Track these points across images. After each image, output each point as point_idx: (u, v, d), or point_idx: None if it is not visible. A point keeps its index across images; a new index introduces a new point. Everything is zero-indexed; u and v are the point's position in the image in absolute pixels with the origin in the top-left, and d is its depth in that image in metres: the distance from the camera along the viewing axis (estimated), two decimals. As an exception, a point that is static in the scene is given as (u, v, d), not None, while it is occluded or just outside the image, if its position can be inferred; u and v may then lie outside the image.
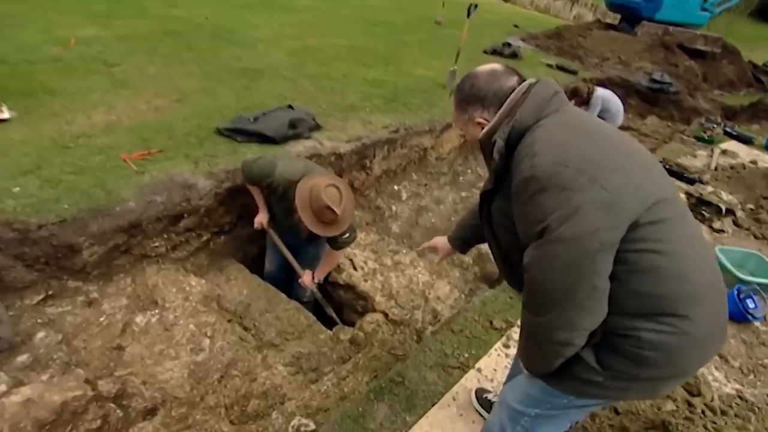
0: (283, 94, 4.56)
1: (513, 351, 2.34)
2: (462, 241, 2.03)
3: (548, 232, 1.10)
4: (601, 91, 6.07)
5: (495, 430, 1.60)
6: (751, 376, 2.47)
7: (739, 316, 2.78)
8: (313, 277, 3.08)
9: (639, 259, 1.13)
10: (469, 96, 1.36)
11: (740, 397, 2.28)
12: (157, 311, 2.62)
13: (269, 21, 7.35)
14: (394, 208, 4.29)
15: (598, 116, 6.07)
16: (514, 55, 8.08)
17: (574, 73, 7.82)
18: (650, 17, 10.34)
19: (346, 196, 2.58)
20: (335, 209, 2.47)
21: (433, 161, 4.93)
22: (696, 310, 1.16)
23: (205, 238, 3.18)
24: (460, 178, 4.97)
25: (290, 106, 4.06)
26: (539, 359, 1.28)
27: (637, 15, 10.48)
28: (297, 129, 3.75)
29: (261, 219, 3.11)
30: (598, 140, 1.21)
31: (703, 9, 10.58)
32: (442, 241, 2.10)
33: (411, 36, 8.27)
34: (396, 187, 4.50)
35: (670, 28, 10.20)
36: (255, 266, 3.53)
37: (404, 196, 4.44)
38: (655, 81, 8.17)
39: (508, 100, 1.32)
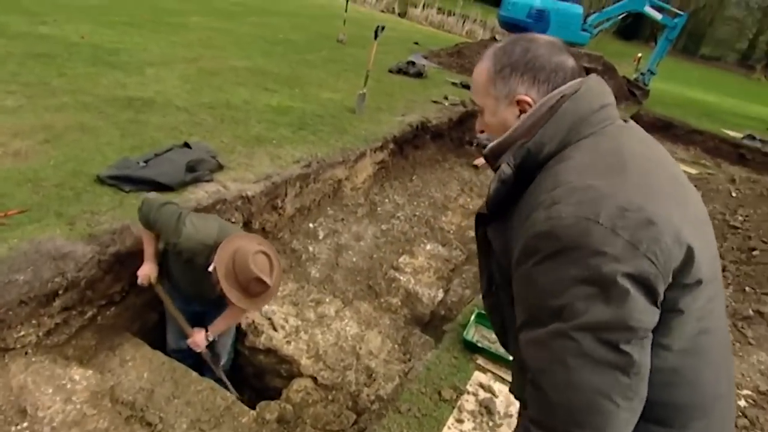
0: (178, 127, 4.06)
1: (467, 426, 2.13)
2: None
3: (569, 315, 0.81)
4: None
5: None
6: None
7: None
8: (206, 335, 2.63)
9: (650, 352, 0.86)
10: (519, 63, 1.01)
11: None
12: (25, 425, 2.07)
13: (158, 41, 6.68)
14: (311, 248, 3.96)
15: None
16: (420, 74, 8.08)
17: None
18: (539, 36, 10.94)
19: (276, 262, 2.22)
20: (266, 281, 2.11)
21: (349, 193, 4.67)
22: (700, 423, 0.95)
23: (89, 314, 2.64)
24: (378, 208, 4.75)
25: (186, 144, 3.60)
26: None
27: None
28: (196, 171, 3.30)
29: (148, 272, 2.56)
30: (648, 178, 0.89)
31: (584, 30, 11.42)
32: None
33: (313, 55, 7.97)
34: (311, 225, 4.17)
35: (558, 46, 10.85)
36: (156, 337, 3.04)
37: (321, 234, 4.12)
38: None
39: (545, 101, 0.98)
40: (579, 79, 1.02)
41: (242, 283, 2.13)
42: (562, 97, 0.98)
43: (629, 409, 0.83)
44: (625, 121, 1.04)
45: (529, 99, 1.01)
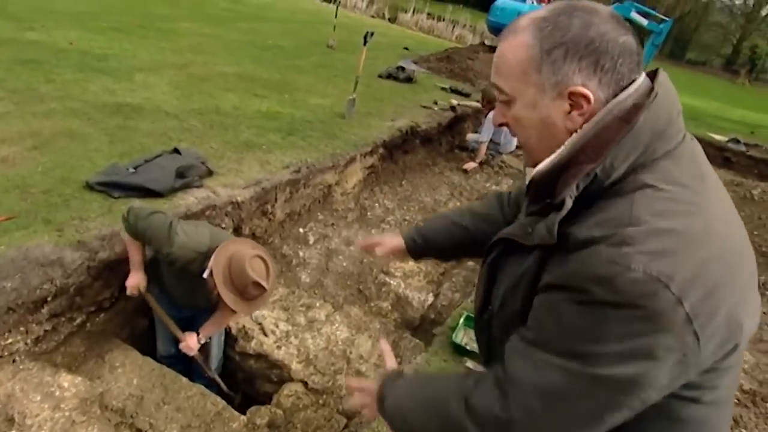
0: (167, 133, 4.06)
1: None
2: (425, 245, 1.37)
3: (590, 362, 0.71)
4: (491, 115, 6.23)
5: None
6: None
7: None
8: (198, 338, 2.64)
9: (678, 407, 0.78)
10: (580, 41, 0.75)
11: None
12: (14, 433, 2.06)
13: (147, 47, 6.68)
14: (301, 254, 3.97)
15: (493, 141, 6.25)
16: (409, 79, 8.13)
17: (467, 95, 8.04)
18: (528, 41, 11.06)
19: (272, 266, 2.24)
20: (264, 284, 2.13)
21: (339, 197, 4.69)
22: None
23: (78, 320, 2.63)
24: (368, 213, 4.77)
25: (176, 150, 3.60)
26: None
27: (516, 39, 11.16)
28: (186, 177, 3.30)
29: (137, 282, 2.56)
30: (729, 231, 0.75)
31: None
32: (390, 237, 1.42)
33: (303, 61, 8.00)
34: (302, 230, 4.18)
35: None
36: (147, 343, 3.03)
37: (311, 239, 4.13)
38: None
39: (612, 107, 0.77)
40: (644, 75, 0.80)
41: (239, 287, 2.14)
42: (634, 105, 0.76)
43: None
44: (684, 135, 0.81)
45: (589, 93, 0.77)
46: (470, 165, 6.18)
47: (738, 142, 9.13)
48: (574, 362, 0.72)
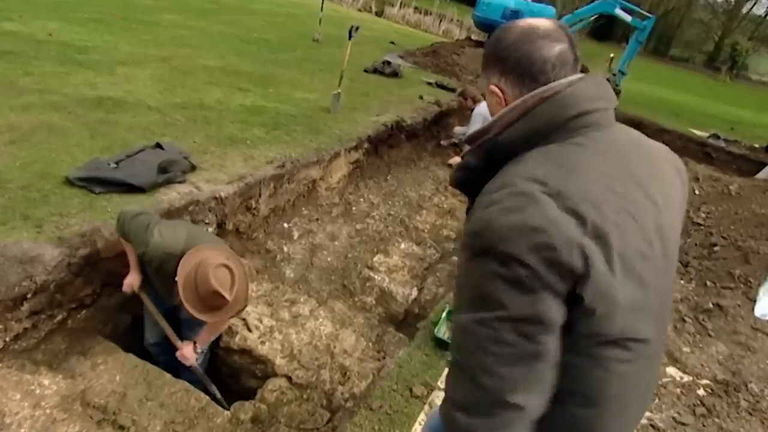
0: (149, 128, 4.02)
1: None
2: None
3: (491, 306, 0.87)
4: (478, 110, 6.25)
5: None
6: (656, 400, 2.57)
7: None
8: (195, 348, 2.67)
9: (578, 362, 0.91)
10: (503, 51, 1.00)
11: (653, 426, 2.34)
12: (-7, 431, 2.05)
13: (130, 39, 6.58)
14: (285, 249, 3.97)
15: None
16: (395, 74, 8.13)
17: (453, 90, 8.06)
18: (513, 36, 11.10)
19: (240, 276, 2.24)
20: (225, 295, 2.12)
21: (323, 192, 4.69)
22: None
23: (59, 317, 2.61)
24: (353, 208, 4.78)
25: (159, 145, 3.57)
26: None
27: (502, 34, 11.20)
28: (168, 173, 3.28)
29: (131, 282, 2.63)
30: (593, 188, 0.89)
31: (557, 29, 11.62)
32: None
33: (288, 55, 7.94)
34: (286, 225, 4.18)
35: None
36: (130, 338, 3.02)
37: (296, 234, 4.13)
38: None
39: (527, 98, 0.96)
40: (567, 80, 0.96)
41: (202, 295, 2.14)
42: (540, 99, 0.94)
43: (539, 393, 0.88)
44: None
45: (498, 89, 1.01)
46: (455, 160, 6.21)
47: (718, 137, 9.30)
48: (483, 312, 0.86)
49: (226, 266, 2.17)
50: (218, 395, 2.84)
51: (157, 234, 2.26)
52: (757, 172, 7.40)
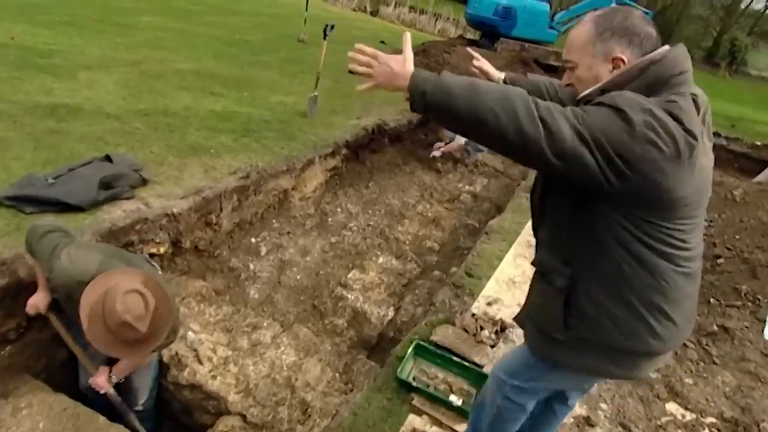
0: (104, 137, 3.71)
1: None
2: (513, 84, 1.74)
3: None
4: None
5: (488, 395, 1.78)
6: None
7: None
8: (110, 377, 2.33)
9: (637, 248, 1.23)
10: (620, 28, 1.25)
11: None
12: None
13: (100, 42, 6.27)
14: (251, 266, 3.65)
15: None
16: (382, 75, 7.80)
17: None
18: (507, 34, 10.79)
19: (160, 302, 1.89)
20: (137, 326, 1.79)
21: (297, 203, 4.37)
22: (670, 314, 1.30)
23: (-27, 357, 2.30)
24: (329, 219, 4.46)
25: (108, 157, 3.26)
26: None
27: (496, 32, 10.89)
28: (113, 188, 2.97)
29: (36, 302, 2.24)
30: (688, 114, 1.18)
31: (551, 27, 11.30)
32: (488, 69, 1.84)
33: (270, 56, 7.63)
34: (253, 240, 3.87)
35: (526, 45, 10.72)
36: (68, 374, 2.71)
37: (263, 250, 3.82)
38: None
39: (637, 63, 1.24)
40: (666, 47, 1.26)
41: (112, 327, 1.81)
42: (650, 62, 1.23)
43: None
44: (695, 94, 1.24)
45: (624, 57, 1.25)
46: (438, 145, 5.95)
47: (719, 135, 8.95)
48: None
49: (138, 292, 1.83)
50: (140, 429, 2.51)
51: (66, 258, 1.94)
52: (760, 171, 7.07)
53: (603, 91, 1.22)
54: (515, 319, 1.65)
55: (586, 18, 1.30)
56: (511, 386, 1.64)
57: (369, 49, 1.32)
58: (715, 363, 2.74)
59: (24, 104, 3.96)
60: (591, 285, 1.29)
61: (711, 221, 3.85)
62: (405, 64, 1.25)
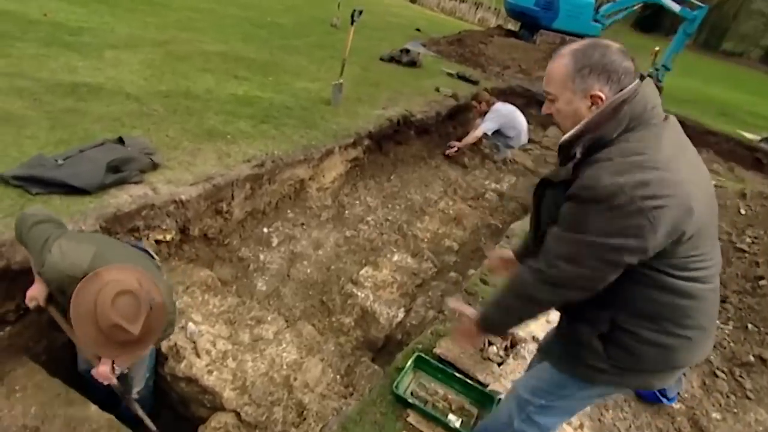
0: (120, 119, 3.67)
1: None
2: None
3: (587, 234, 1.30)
4: (502, 107, 5.71)
5: (503, 416, 1.76)
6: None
7: (652, 398, 2.38)
8: (113, 367, 2.27)
9: (660, 277, 1.31)
10: (598, 64, 1.29)
11: None
12: None
13: (131, 21, 6.28)
14: (261, 257, 3.57)
15: (499, 133, 5.72)
16: (413, 63, 7.60)
17: (475, 83, 7.48)
18: (548, 26, 10.37)
19: (153, 302, 1.80)
20: (129, 329, 1.71)
21: (314, 194, 4.26)
22: (703, 324, 1.39)
23: (-30, 338, 2.28)
24: (346, 211, 4.34)
25: (121, 140, 3.20)
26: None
27: (536, 23, 10.48)
28: (121, 172, 2.91)
29: (35, 294, 2.14)
30: (674, 159, 1.27)
31: (596, 20, 10.79)
32: (506, 254, 1.93)
33: (300, 41, 7.51)
34: (265, 230, 3.78)
35: (567, 39, 10.27)
36: (66, 356, 2.68)
37: (275, 241, 3.72)
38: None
39: (612, 102, 1.29)
40: (636, 83, 1.31)
41: (103, 328, 1.73)
42: (623, 101, 1.28)
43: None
44: (666, 117, 1.34)
45: (602, 95, 1.30)
46: (452, 144, 5.73)
47: (771, 141, 8.38)
48: (578, 234, 1.28)
49: (131, 292, 1.74)
50: (151, 426, 2.46)
51: (57, 251, 1.86)
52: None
53: (583, 132, 1.31)
54: (539, 348, 1.76)
55: (564, 51, 1.34)
56: (536, 406, 1.64)
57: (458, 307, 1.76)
58: (748, 398, 2.49)
59: (47, 82, 3.96)
60: (626, 318, 1.36)
61: (756, 237, 3.54)
62: (471, 327, 1.59)
